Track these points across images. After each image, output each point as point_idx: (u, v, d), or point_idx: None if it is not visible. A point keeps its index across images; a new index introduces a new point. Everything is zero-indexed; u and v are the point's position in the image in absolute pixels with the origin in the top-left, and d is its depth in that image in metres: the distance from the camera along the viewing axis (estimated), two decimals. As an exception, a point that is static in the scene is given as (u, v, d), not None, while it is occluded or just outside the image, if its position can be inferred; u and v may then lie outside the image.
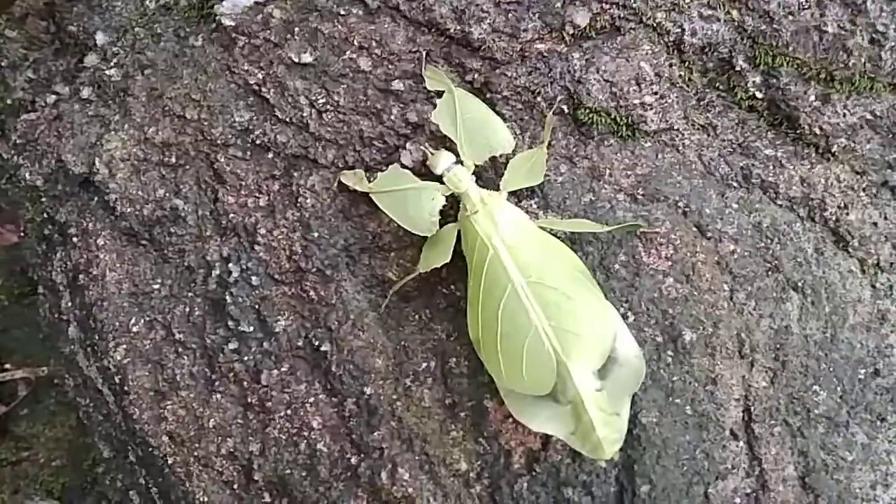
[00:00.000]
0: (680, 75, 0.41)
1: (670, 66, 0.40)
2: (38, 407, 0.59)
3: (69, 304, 0.45)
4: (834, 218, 0.40)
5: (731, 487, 0.37)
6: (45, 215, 0.46)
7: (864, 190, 0.41)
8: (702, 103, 0.41)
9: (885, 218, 0.41)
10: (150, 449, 0.42)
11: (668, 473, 0.37)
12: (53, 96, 0.47)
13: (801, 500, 0.38)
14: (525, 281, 0.35)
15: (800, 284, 0.40)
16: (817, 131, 0.40)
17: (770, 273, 0.40)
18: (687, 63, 0.41)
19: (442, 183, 0.37)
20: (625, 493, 0.36)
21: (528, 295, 0.34)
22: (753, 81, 0.40)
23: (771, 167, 0.40)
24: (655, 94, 0.40)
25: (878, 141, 0.40)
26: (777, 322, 0.39)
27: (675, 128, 0.40)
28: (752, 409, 0.38)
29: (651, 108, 0.40)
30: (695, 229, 0.39)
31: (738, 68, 0.40)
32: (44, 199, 0.46)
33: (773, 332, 0.39)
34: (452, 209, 0.38)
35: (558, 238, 0.37)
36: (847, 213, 0.41)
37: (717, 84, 0.41)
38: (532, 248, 0.35)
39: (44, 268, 0.47)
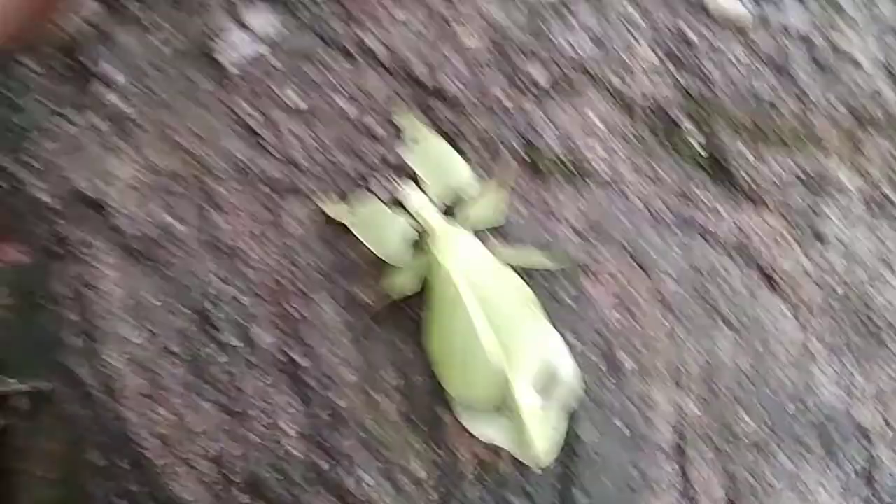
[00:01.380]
0: (632, 133, 0.46)
1: (622, 124, 0.46)
2: (37, 422, 0.61)
3: (73, 316, 0.50)
4: (767, 264, 0.45)
5: (664, 504, 0.42)
6: (55, 235, 0.51)
7: (795, 239, 0.46)
8: (651, 157, 0.46)
9: (816, 265, 0.46)
10: (141, 451, 0.47)
11: (605, 488, 0.41)
12: (73, 127, 0.53)
13: (728, 520, 0.42)
14: (479, 305, 0.39)
15: (734, 323, 0.44)
16: (754, 186, 0.45)
17: (707, 311, 0.44)
18: (637, 121, 0.46)
19: (412, 217, 0.42)
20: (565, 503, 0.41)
21: (480, 318, 0.39)
22: (698, 141, 0.46)
23: (711, 217, 0.46)
24: (607, 147, 0.45)
25: (807, 192, 0.45)
26: (711, 356, 0.44)
27: (626, 179, 0.46)
28: (685, 433, 0.43)
29: (603, 161, 0.45)
30: (639, 268, 0.44)
31: (683, 128, 0.46)
32: (56, 220, 0.51)
33: (707, 365, 0.44)
34: (424, 243, 0.43)
35: (514, 270, 0.42)
36: (780, 260, 0.45)
37: (664, 141, 0.46)
38: (488, 277, 0.40)
39: (50, 283, 0.52)
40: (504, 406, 0.38)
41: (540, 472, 0.40)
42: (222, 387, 0.46)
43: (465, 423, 0.39)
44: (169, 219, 0.48)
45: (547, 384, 0.39)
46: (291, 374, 0.45)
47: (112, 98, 0.52)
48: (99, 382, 0.49)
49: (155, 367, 0.47)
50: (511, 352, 0.38)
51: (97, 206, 0.50)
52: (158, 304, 0.48)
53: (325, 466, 0.43)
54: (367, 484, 0.42)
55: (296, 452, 0.44)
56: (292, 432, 0.44)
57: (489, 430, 0.39)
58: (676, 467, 0.42)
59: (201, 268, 0.47)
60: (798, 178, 0.45)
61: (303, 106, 0.47)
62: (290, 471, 0.44)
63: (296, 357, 0.45)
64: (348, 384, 0.44)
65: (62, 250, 0.51)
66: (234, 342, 0.46)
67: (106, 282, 0.49)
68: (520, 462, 0.40)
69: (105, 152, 0.50)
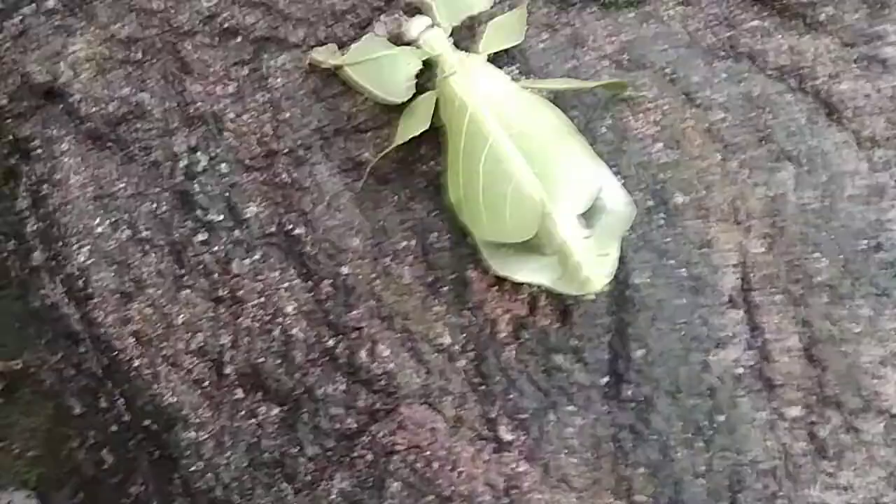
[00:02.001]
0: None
1: (651, -64, 0.40)
2: (15, 398, 0.58)
3: (33, 226, 0.43)
4: (825, 88, 0.39)
5: (733, 357, 0.36)
6: (10, 137, 0.45)
7: (854, 61, 0.40)
8: (685, -24, 0.40)
9: (878, 91, 0.40)
10: (116, 354, 0.40)
11: (664, 338, 0.35)
12: (19, 17, 0.46)
13: (807, 372, 0.36)
14: (507, 133, 0.33)
15: (794, 154, 0.38)
16: (806, 6, 0.40)
17: (762, 142, 0.38)
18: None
19: (418, 48, 0.36)
20: (619, 358, 0.35)
21: (510, 146, 0.33)
22: (734, -48, 0.40)
23: (758, 36, 0.40)
24: (636, -40, 0.39)
25: (865, 12, 0.40)
26: (772, 190, 0.38)
27: (660, 0, 0.40)
28: (751, 275, 0.37)
29: (632, -26, 0.39)
30: (683, 96, 0.38)
31: (719, -62, 0.40)
32: (9, 120, 0.44)
33: (769, 200, 0.38)
34: (430, 81, 0.37)
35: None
36: (838, 84, 0.39)
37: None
38: (514, 104, 0.34)
39: (10, 207, 0.45)
40: (544, 243, 0.32)
41: (594, 298, 0.34)
42: (203, 269, 0.39)
43: (496, 267, 0.33)
44: (132, 90, 0.42)
45: (593, 214, 0.32)
46: (285, 247, 0.39)
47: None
48: (63, 289, 0.42)
49: (125, 257, 0.40)
50: (549, 183, 0.32)
51: (51, 94, 0.43)
52: (124, 187, 0.41)
53: (332, 343, 0.37)
54: (383, 356, 0.36)
55: (296, 332, 0.37)
56: (290, 310, 0.38)
57: (527, 271, 0.32)
58: (743, 314, 0.36)
59: (172, 140, 0.41)
60: (855, -7, 0.39)
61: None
62: (290, 354, 0.37)
63: (289, 226, 0.39)
64: (353, 250, 0.38)
65: (18, 154, 0.44)
66: (215, 217, 0.39)
67: (65, 172, 0.42)
68: (562, 315, 0.34)
69: (58, 33, 0.43)
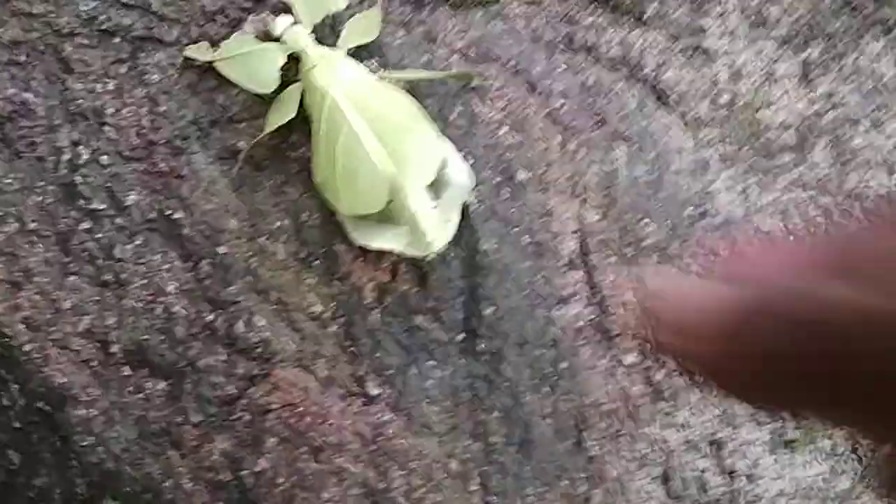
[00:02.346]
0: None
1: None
2: None
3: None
4: (654, 76, 0.45)
5: (574, 312, 0.40)
6: None
7: (679, 52, 0.45)
8: (528, -21, 0.45)
9: (702, 77, 0.46)
10: (7, 340, 0.42)
11: (511, 297, 0.39)
12: None
13: (641, 323, 0.41)
14: (362, 118, 0.37)
15: (626, 135, 0.44)
16: (635, 4, 0.45)
17: (598, 125, 0.43)
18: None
19: (283, 44, 0.40)
20: (472, 316, 0.39)
21: (365, 129, 0.37)
22: (572, -43, 0.45)
23: (594, 31, 0.45)
24: (481, -36, 0.43)
25: (688, 7, 0.45)
26: (607, 167, 0.43)
27: (505, 1, 0.44)
28: (588, 241, 0.42)
29: (477, -23, 0.43)
30: (526, 85, 0.43)
31: (557, -56, 0.45)
32: None
33: (604, 175, 0.43)
34: (297, 74, 0.41)
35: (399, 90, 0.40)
36: (665, 72, 0.45)
37: (541, -40, 0.45)
38: (370, 93, 0.38)
39: None
40: (398, 212, 0.36)
41: (437, 257, 0.38)
42: (88, 256, 0.42)
43: (357, 239, 0.37)
44: (17, 91, 0.44)
45: (438, 186, 0.37)
46: (165, 231, 0.42)
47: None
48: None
49: (13, 248, 0.42)
50: (400, 160, 0.36)
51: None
52: (10, 182, 0.43)
53: (211, 317, 0.40)
54: (259, 326, 0.39)
55: (178, 309, 0.40)
56: (172, 290, 0.41)
57: (382, 239, 0.36)
58: (582, 274, 0.41)
59: (56, 136, 0.43)
60: (673, -13, 0.45)
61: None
62: (173, 329, 0.40)
63: (168, 212, 0.42)
64: (230, 231, 0.41)
65: None
66: (98, 206, 0.42)
67: (-51, 171, 0.44)
68: (421, 280, 0.38)
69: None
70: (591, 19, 0.45)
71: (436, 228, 0.35)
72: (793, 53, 0.46)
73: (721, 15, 0.45)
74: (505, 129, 0.42)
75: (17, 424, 0.43)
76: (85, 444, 0.41)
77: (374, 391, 0.38)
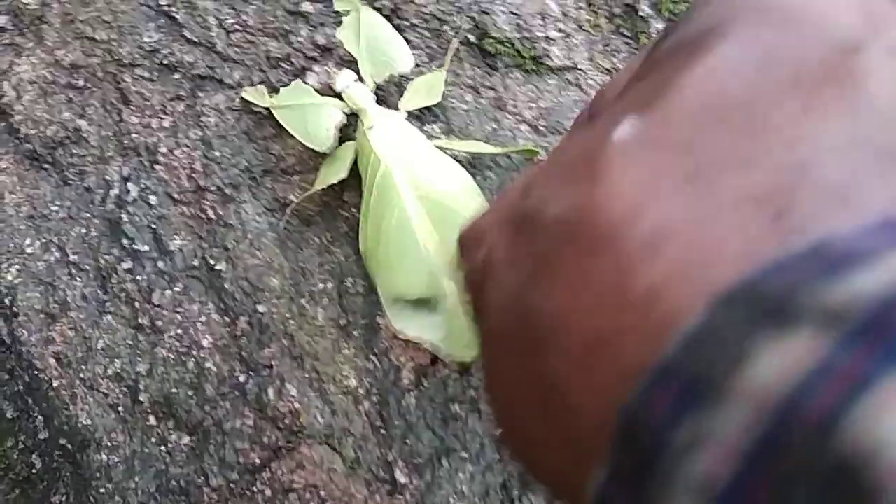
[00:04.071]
0: (587, 19, 0.42)
1: (578, 8, 0.42)
2: None
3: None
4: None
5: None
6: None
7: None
8: (607, 48, 0.42)
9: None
10: (36, 372, 0.41)
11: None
12: (-31, 30, 0.47)
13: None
14: (415, 195, 0.35)
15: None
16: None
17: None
18: (594, 7, 0.42)
19: (342, 100, 0.38)
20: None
21: (416, 208, 0.35)
22: (657, 28, 0.42)
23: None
24: (560, 31, 0.41)
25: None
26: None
27: (580, 67, 0.42)
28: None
29: (555, 44, 0.41)
30: (595, 163, 0.40)
31: (641, 14, 0.42)
32: None
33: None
34: (354, 130, 0.39)
35: (457, 160, 0.38)
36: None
37: (623, 30, 0.42)
38: (425, 164, 0.36)
39: None
40: (436, 303, 0.34)
41: (470, 363, 0.36)
42: (126, 297, 0.41)
43: (392, 322, 0.35)
44: (72, 117, 0.43)
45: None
46: (206, 281, 0.40)
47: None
48: (-9, 304, 0.44)
49: (52, 278, 0.42)
50: (448, 245, 0.34)
51: (-6, 111, 0.44)
52: (57, 209, 0.43)
53: (243, 378, 0.38)
54: (291, 395, 0.37)
55: (210, 365, 0.39)
56: (206, 343, 0.39)
57: (417, 327, 0.34)
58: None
59: (106, 168, 0.42)
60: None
61: (221, -20, 0.42)
62: (203, 385, 0.39)
63: (212, 261, 0.40)
64: (271, 289, 0.39)
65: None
66: (141, 247, 0.41)
67: (1, 190, 0.43)
68: (463, 367, 0.36)
69: (6, 52, 0.45)
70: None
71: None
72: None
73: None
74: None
75: (44, 436, 0.43)
76: (103, 490, 0.40)
77: (402, 479, 0.36)
